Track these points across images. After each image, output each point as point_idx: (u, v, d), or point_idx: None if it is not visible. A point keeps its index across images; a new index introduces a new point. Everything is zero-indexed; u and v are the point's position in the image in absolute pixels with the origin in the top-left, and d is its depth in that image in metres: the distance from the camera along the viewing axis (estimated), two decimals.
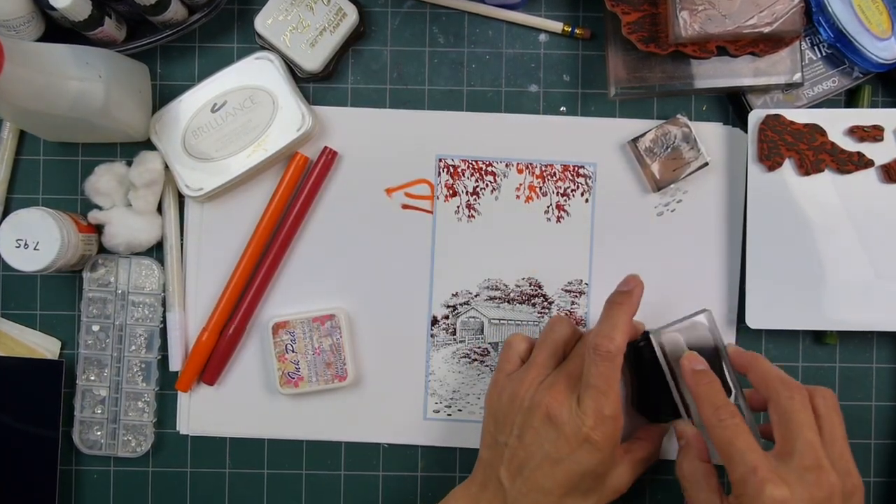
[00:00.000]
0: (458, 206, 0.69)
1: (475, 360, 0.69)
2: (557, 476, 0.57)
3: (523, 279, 0.69)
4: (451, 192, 0.69)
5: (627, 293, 0.61)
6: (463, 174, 0.69)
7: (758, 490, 0.51)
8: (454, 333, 0.69)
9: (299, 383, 0.67)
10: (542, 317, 0.69)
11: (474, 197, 0.69)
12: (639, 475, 0.62)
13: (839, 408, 0.57)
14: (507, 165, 0.69)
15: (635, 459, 0.62)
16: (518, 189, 0.69)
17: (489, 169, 0.69)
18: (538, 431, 0.58)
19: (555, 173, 0.69)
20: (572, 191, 0.69)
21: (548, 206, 0.69)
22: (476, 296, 0.69)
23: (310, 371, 0.67)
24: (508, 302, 0.69)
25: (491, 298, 0.69)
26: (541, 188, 0.69)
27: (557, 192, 0.69)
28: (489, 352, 0.69)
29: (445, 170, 0.69)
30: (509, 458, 0.59)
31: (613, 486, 0.60)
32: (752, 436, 0.55)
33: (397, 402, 0.69)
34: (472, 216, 0.69)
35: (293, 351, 0.67)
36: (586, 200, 0.69)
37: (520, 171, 0.69)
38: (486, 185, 0.69)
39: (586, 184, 0.69)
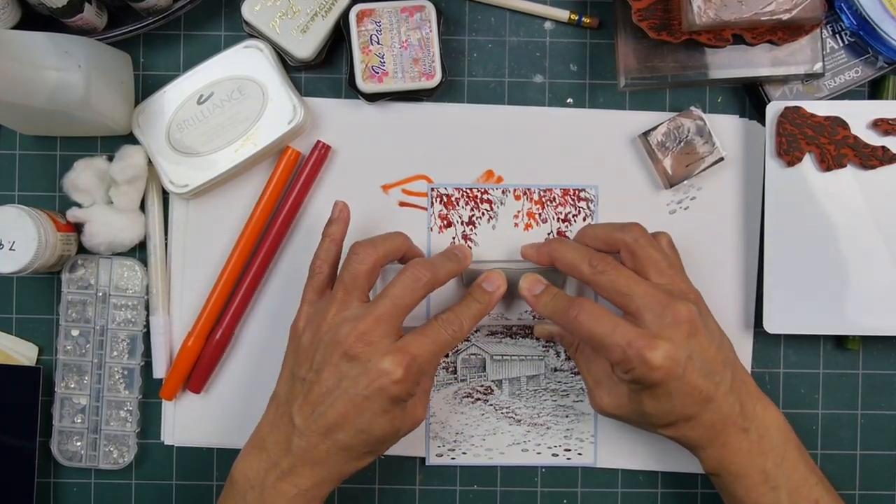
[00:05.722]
0: (454, 238, 0.68)
1: (478, 399, 0.68)
2: (351, 415, 0.56)
3: (526, 311, 0.67)
4: (445, 222, 0.68)
5: (490, 294, 0.61)
6: (457, 203, 0.68)
7: (641, 360, 0.55)
8: (455, 372, 0.68)
9: (383, 79, 0.64)
10: (547, 351, 0.68)
11: (470, 227, 0.68)
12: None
13: (648, 235, 0.60)
14: (503, 192, 0.68)
15: (426, 390, 0.61)
16: (516, 216, 0.68)
17: (485, 196, 0.68)
18: (337, 367, 0.56)
19: (554, 198, 0.68)
20: (574, 216, 0.68)
21: (548, 234, 0.68)
22: (476, 331, 0.67)
23: (395, 66, 0.64)
24: (511, 336, 0.67)
25: (492, 333, 0.67)
26: (540, 214, 0.68)
27: (558, 218, 0.68)
28: (493, 390, 0.68)
29: (438, 199, 0.68)
30: (305, 393, 0.57)
31: (413, 418, 0.60)
32: (610, 315, 0.56)
33: (396, 448, 0.66)
34: (469, 247, 0.67)
35: (378, 43, 0.64)
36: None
37: (517, 198, 0.68)
38: (483, 213, 0.68)
39: (588, 208, 0.68)
